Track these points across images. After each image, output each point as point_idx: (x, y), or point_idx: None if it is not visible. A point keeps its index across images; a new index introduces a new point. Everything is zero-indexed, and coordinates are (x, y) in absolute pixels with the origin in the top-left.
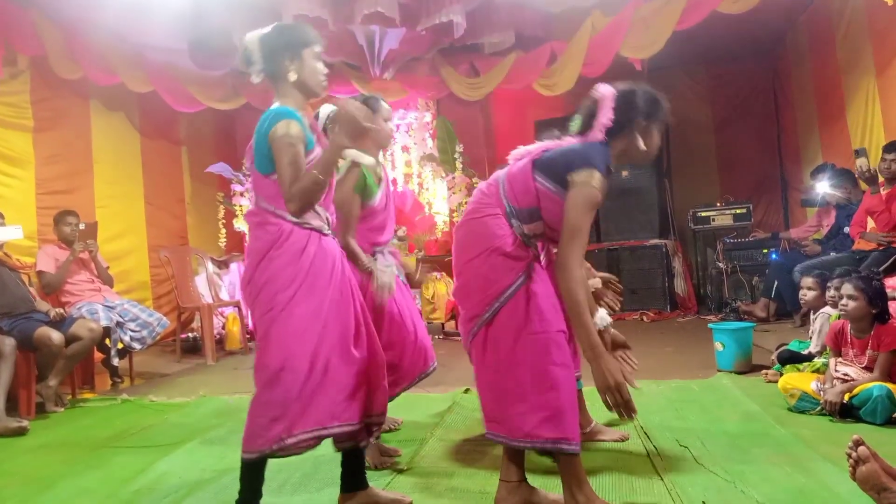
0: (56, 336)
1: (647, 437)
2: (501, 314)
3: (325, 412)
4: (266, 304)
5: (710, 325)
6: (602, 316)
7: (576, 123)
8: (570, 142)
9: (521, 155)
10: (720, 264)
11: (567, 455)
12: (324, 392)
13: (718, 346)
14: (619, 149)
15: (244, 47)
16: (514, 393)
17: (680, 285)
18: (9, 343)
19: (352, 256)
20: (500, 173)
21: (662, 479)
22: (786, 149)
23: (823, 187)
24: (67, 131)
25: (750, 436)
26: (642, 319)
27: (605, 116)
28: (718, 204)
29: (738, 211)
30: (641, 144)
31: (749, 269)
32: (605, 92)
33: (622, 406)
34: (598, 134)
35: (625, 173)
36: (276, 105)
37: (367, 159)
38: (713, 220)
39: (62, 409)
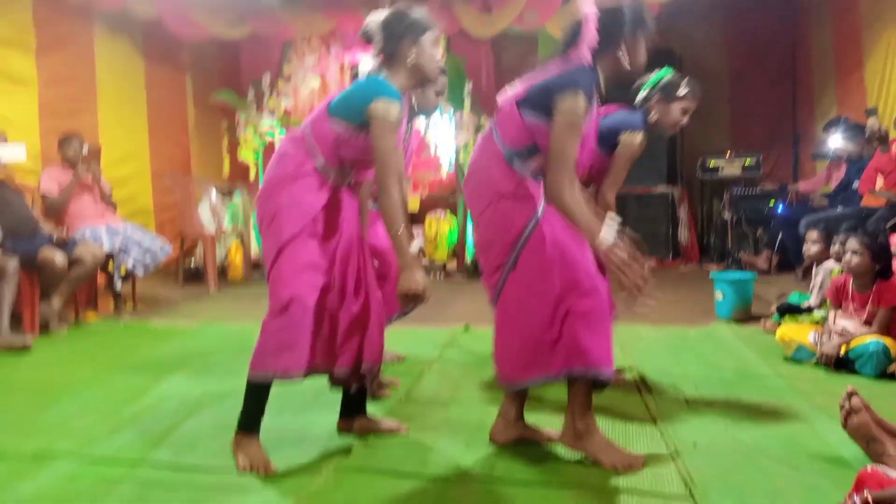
0: (59, 258)
1: (643, 381)
2: (523, 257)
3: (328, 352)
4: (276, 234)
5: (711, 275)
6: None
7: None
8: (552, 70)
9: (508, 97)
10: (726, 215)
11: (584, 382)
12: (324, 333)
13: (718, 294)
14: (608, 68)
15: (366, 27)
16: (548, 327)
17: (684, 234)
18: (12, 263)
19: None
20: (492, 120)
21: (655, 422)
22: (800, 102)
23: (836, 141)
24: (71, 53)
25: (744, 383)
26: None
27: (590, 35)
28: (728, 154)
29: (747, 161)
30: (626, 63)
31: (754, 221)
32: (589, 9)
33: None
34: (583, 54)
35: None
36: (382, 74)
37: None
38: (722, 169)
39: (65, 329)
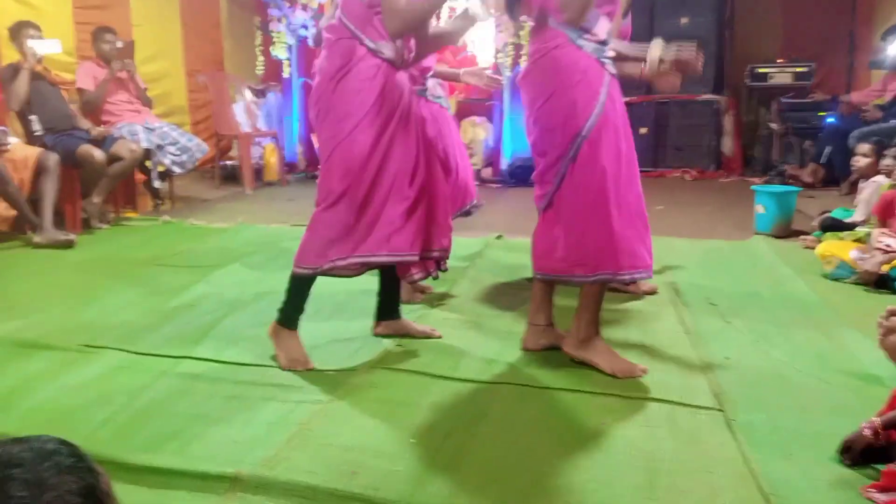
0: (98, 154)
1: (676, 293)
2: (584, 148)
3: (380, 241)
4: (332, 128)
5: (752, 188)
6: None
7: None
8: None
9: None
10: (773, 125)
11: (598, 290)
12: (380, 221)
13: (759, 208)
14: None
15: None
16: (595, 231)
17: (727, 144)
18: (53, 158)
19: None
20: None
21: (687, 334)
22: (859, 6)
23: (895, 49)
24: None
25: (779, 298)
26: (684, 178)
27: None
28: (779, 60)
29: (798, 69)
30: None
31: (802, 132)
32: None
33: None
34: None
35: (684, 20)
36: None
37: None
38: (771, 77)
39: (106, 226)
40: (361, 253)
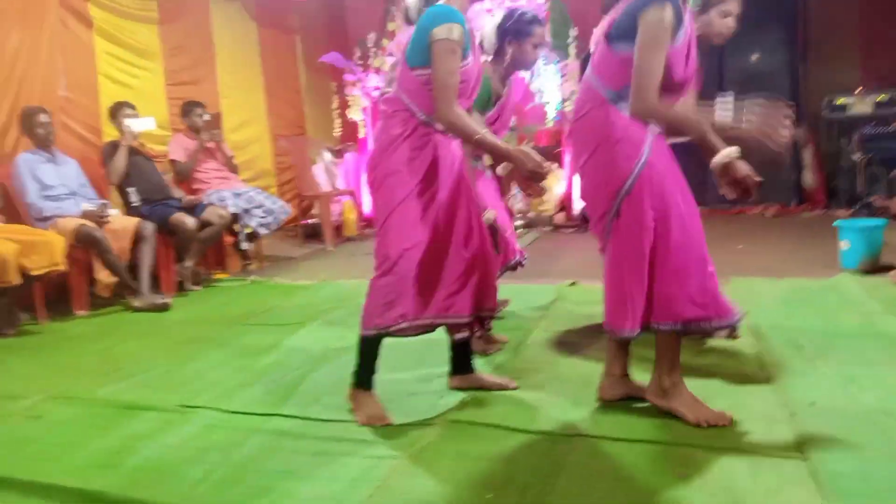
0: (190, 221)
1: (758, 335)
2: (625, 205)
3: (438, 302)
4: (387, 195)
5: (836, 223)
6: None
7: None
8: None
9: (597, 34)
10: (855, 156)
11: (674, 335)
12: (438, 285)
13: (844, 244)
14: None
15: None
16: (642, 281)
17: (809, 178)
18: (149, 227)
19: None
20: (589, 64)
21: (770, 380)
22: None
23: None
24: (189, 22)
25: (868, 338)
26: (764, 214)
27: None
28: (858, 90)
29: (880, 98)
30: None
31: (888, 162)
32: None
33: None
34: None
35: (754, 56)
36: (441, 2)
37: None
38: (851, 107)
39: (199, 288)
40: (421, 316)
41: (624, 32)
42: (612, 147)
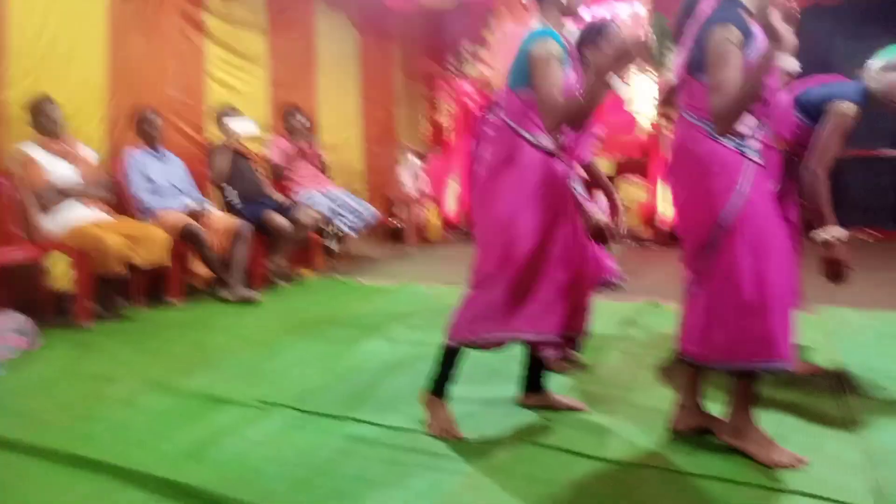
0: (283, 221)
1: (844, 374)
2: (725, 237)
3: (527, 320)
4: (491, 214)
5: None
6: (832, 231)
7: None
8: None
9: (679, 65)
10: None
11: (749, 376)
12: (529, 302)
13: None
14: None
15: None
16: (733, 317)
17: None
18: (247, 227)
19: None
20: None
21: (852, 424)
22: None
23: None
24: (296, 31)
25: None
26: (863, 239)
27: None
28: None
29: None
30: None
31: None
32: None
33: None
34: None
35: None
36: (537, 25)
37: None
38: None
39: (287, 284)
40: (509, 329)
41: (700, 63)
42: (710, 179)
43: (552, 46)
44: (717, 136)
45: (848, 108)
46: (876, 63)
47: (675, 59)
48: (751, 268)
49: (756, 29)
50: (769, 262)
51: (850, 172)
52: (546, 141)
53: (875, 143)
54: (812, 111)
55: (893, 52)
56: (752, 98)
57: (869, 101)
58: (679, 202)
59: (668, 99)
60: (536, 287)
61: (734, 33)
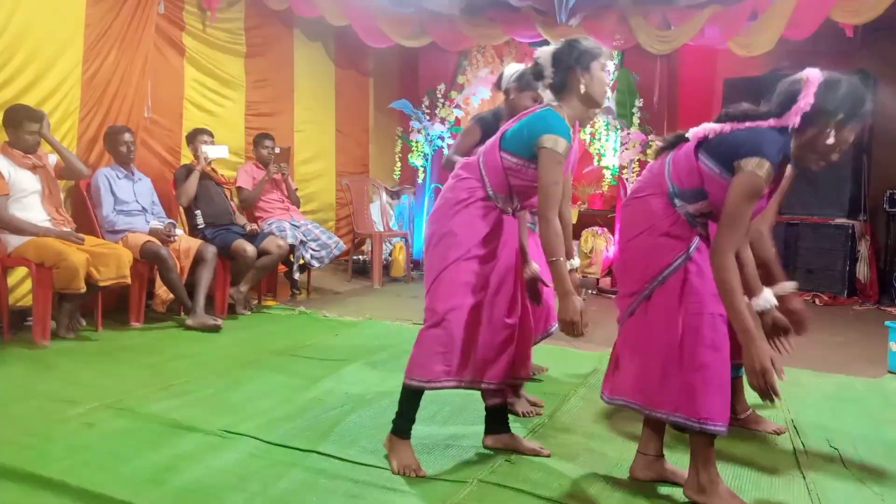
0: (250, 248)
1: (797, 432)
2: (658, 292)
3: (476, 366)
4: (441, 253)
5: (887, 323)
6: (767, 298)
7: (768, 105)
8: (747, 124)
9: (697, 133)
10: None
11: (702, 434)
12: (480, 348)
13: (893, 346)
14: (806, 140)
15: (536, 61)
16: (662, 368)
17: (862, 270)
18: (211, 250)
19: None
20: (671, 153)
21: (805, 480)
22: None
23: None
24: (274, 58)
25: None
26: (814, 302)
27: (805, 102)
28: None
29: None
30: (831, 139)
31: None
32: (812, 76)
33: (764, 391)
34: (792, 118)
35: None
36: (554, 107)
37: None
38: None
39: (249, 313)
40: (461, 378)
41: (716, 153)
42: (661, 236)
43: (561, 145)
44: (677, 205)
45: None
46: None
47: (701, 126)
48: (682, 331)
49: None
50: (702, 320)
51: (802, 238)
52: (501, 201)
53: (829, 212)
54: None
55: None
56: (719, 287)
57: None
58: (625, 245)
59: (671, 144)
60: (483, 334)
61: (766, 170)
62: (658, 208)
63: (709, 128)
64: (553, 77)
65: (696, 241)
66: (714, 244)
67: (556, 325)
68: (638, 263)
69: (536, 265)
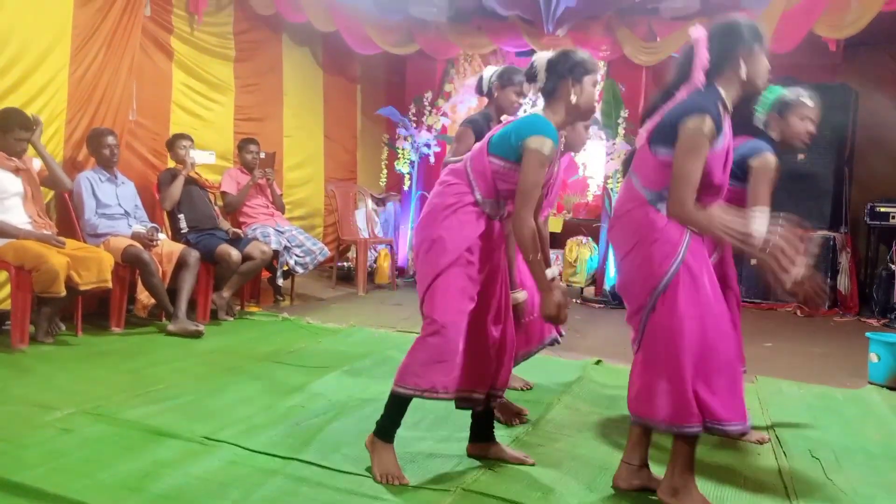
0: (234, 253)
1: (779, 442)
2: (661, 302)
3: (469, 377)
4: (434, 259)
5: (867, 335)
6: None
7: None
8: (677, 99)
9: (641, 137)
10: (893, 265)
11: (686, 438)
12: (469, 358)
13: (873, 357)
14: (732, 87)
15: (532, 65)
16: (671, 378)
17: (843, 282)
18: (194, 255)
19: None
20: (631, 166)
21: (786, 489)
22: None
23: None
24: (262, 62)
25: (890, 458)
26: (796, 313)
27: (701, 58)
28: None
29: None
30: (748, 78)
31: None
32: (697, 34)
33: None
34: (698, 77)
35: (801, 156)
36: (542, 113)
37: None
38: (893, 216)
39: (232, 319)
40: (452, 389)
41: (664, 137)
42: (650, 246)
43: (547, 146)
44: (659, 209)
45: (769, 157)
46: (761, 116)
47: (644, 126)
48: (690, 334)
49: (727, 126)
50: (705, 326)
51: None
52: (489, 206)
53: (811, 224)
54: (738, 173)
55: (767, 103)
56: (706, 232)
57: (778, 148)
58: (620, 264)
59: (627, 161)
60: (472, 343)
61: (708, 125)
62: (641, 219)
63: (649, 125)
64: (545, 82)
65: (687, 238)
66: (669, 206)
67: (553, 336)
68: (636, 279)
69: (523, 293)
